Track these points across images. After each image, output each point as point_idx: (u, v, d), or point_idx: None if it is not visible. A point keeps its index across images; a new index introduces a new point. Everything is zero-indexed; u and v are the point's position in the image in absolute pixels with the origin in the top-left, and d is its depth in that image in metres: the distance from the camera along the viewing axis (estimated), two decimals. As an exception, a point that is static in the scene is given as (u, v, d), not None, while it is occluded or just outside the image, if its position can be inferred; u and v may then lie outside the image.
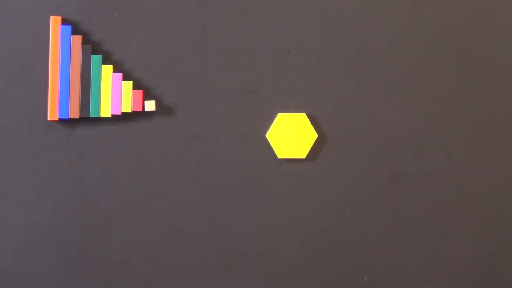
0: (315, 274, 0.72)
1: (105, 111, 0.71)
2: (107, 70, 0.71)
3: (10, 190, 0.72)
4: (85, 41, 0.72)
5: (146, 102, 0.72)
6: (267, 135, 0.72)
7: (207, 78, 0.73)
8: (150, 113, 0.72)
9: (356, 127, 0.73)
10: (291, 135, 0.72)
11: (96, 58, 0.71)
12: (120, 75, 0.71)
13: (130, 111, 0.72)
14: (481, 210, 0.73)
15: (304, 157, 0.72)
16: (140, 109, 0.72)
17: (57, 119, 0.71)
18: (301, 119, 0.72)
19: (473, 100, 0.73)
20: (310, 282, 0.72)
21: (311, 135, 0.72)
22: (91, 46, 0.72)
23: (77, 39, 0.71)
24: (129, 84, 0.72)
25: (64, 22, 0.72)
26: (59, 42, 0.71)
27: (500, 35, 0.74)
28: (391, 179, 0.72)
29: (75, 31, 0.72)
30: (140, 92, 0.72)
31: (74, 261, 0.72)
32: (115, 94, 0.71)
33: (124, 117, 0.72)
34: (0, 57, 0.72)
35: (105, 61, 0.72)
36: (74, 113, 0.71)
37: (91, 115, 0.71)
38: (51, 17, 0.71)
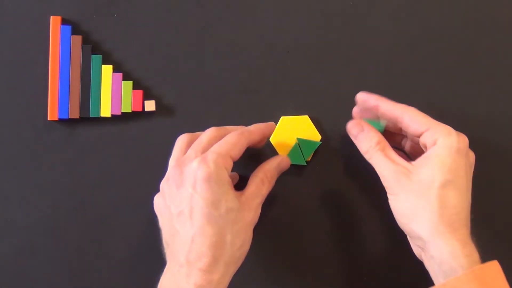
0: (315, 274, 0.72)
1: (105, 111, 0.71)
2: (107, 70, 0.72)
3: (10, 190, 0.72)
4: (85, 41, 0.72)
5: (146, 102, 0.72)
6: (271, 139, 0.71)
7: (207, 78, 0.73)
8: (150, 113, 0.72)
9: (356, 127, 0.72)
10: (294, 138, 0.71)
11: (96, 58, 0.71)
12: (120, 75, 0.72)
13: (130, 111, 0.72)
14: (480, 210, 0.73)
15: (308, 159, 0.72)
16: (140, 109, 0.72)
17: (57, 119, 0.71)
18: (304, 121, 0.71)
19: (473, 100, 0.73)
20: (310, 282, 0.72)
21: (315, 137, 0.71)
22: (91, 46, 0.72)
23: (77, 39, 0.71)
24: (129, 84, 0.72)
25: (64, 22, 0.72)
26: (59, 42, 0.71)
27: (500, 35, 0.74)
28: (391, 179, 0.72)
29: (75, 31, 0.72)
30: (140, 92, 0.72)
31: (74, 261, 0.71)
32: (115, 94, 0.71)
33: (124, 117, 0.72)
34: (0, 57, 0.72)
35: (105, 61, 0.72)
36: (74, 113, 0.71)
37: (91, 115, 0.71)
38: (51, 17, 0.71)
